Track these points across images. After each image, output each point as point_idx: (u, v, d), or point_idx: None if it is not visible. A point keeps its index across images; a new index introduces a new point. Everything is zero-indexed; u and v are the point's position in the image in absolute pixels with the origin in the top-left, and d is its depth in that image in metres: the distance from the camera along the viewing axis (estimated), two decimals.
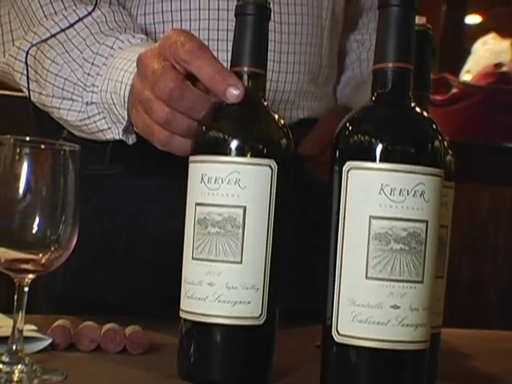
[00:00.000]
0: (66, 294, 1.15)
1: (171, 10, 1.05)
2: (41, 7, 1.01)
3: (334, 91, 1.27)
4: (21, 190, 0.73)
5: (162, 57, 0.83)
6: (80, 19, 0.99)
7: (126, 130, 0.95)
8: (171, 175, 0.96)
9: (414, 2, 0.73)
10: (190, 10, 1.06)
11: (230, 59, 0.80)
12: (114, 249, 1.14)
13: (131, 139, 0.96)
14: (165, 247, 1.06)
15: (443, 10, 4.42)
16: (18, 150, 0.73)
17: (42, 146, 0.74)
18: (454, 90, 2.28)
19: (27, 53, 1.02)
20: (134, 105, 0.89)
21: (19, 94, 1.13)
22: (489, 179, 2.28)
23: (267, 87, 1.07)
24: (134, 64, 0.89)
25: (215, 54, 1.02)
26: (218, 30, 1.05)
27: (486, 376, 0.93)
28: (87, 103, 0.98)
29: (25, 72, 1.03)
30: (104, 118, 0.97)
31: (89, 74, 0.97)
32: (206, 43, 1.03)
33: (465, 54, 2.79)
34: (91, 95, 0.97)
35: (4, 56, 1.05)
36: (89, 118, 0.98)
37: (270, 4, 0.79)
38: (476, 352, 1.06)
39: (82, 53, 0.98)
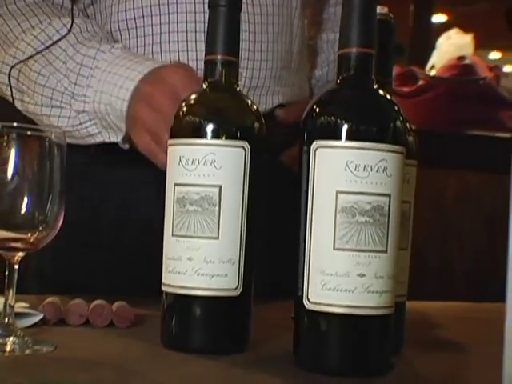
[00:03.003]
0: (55, 277, 1.15)
1: (150, 5, 1.06)
2: (18, 24, 1.03)
3: (307, 78, 1.28)
4: (9, 174, 0.73)
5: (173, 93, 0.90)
6: (62, 37, 1.01)
7: (123, 139, 0.99)
8: (153, 164, 0.96)
9: None
10: (168, 4, 1.06)
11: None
12: (101, 235, 1.14)
13: (126, 147, 1.01)
14: (149, 232, 1.06)
15: (411, 9, 4.44)
16: (6, 136, 0.73)
17: (29, 132, 0.75)
18: (421, 82, 2.28)
19: (12, 66, 1.03)
20: (138, 129, 0.94)
21: None
22: (454, 165, 2.29)
23: (244, 74, 1.08)
24: (130, 83, 0.94)
25: (193, 44, 1.04)
26: (195, 22, 1.06)
27: (453, 343, 0.93)
28: (78, 111, 1.00)
29: (12, 83, 1.04)
30: (95, 124, 1.00)
31: (76, 84, 0.99)
32: (185, 35, 1.05)
33: (432, 49, 2.80)
34: (83, 105, 1.00)
35: None
36: (80, 124, 1.01)
37: None
38: (445, 321, 1.07)
39: (64, 63, 1.00)
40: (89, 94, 0.99)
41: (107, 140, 1.00)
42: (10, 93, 1.05)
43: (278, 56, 1.13)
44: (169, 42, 1.06)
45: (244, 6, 1.06)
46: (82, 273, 1.14)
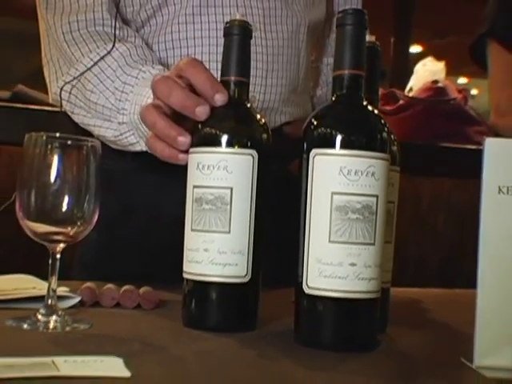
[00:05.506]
0: (96, 266, 1.14)
1: (184, 38, 1.07)
2: (79, 49, 1.03)
3: (310, 96, 1.27)
4: (52, 177, 0.72)
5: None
6: (108, 52, 1.01)
7: None
8: (180, 170, 0.95)
9: (364, 23, 0.72)
10: (194, 38, 1.07)
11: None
12: (134, 230, 1.13)
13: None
14: (175, 229, 1.05)
15: (392, 41, 4.43)
16: (50, 145, 0.73)
17: (69, 142, 0.74)
18: (401, 102, 2.27)
19: (66, 82, 1.03)
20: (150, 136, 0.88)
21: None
22: (429, 172, 2.27)
23: (257, 98, 1.08)
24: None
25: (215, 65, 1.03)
26: (216, 45, 1.06)
27: (431, 323, 0.92)
28: (119, 123, 0.99)
29: (71, 100, 1.04)
30: (133, 134, 0.98)
31: (120, 100, 0.98)
32: (207, 55, 1.05)
33: (410, 74, 2.79)
34: (122, 117, 0.98)
35: (57, 86, 1.06)
36: (121, 134, 0.99)
37: (251, 26, 0.79)
38: (424, 305, 1.05)
39: (113, 82, 0.99)
40: (126, 106, 0.97)
41: (144, 149, 0.97)
42: (69, 108, 1.05)
43: (287, 82, 1.13)
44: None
45: (258, 40, 1.07)
46: (119, 262, 1.12)
